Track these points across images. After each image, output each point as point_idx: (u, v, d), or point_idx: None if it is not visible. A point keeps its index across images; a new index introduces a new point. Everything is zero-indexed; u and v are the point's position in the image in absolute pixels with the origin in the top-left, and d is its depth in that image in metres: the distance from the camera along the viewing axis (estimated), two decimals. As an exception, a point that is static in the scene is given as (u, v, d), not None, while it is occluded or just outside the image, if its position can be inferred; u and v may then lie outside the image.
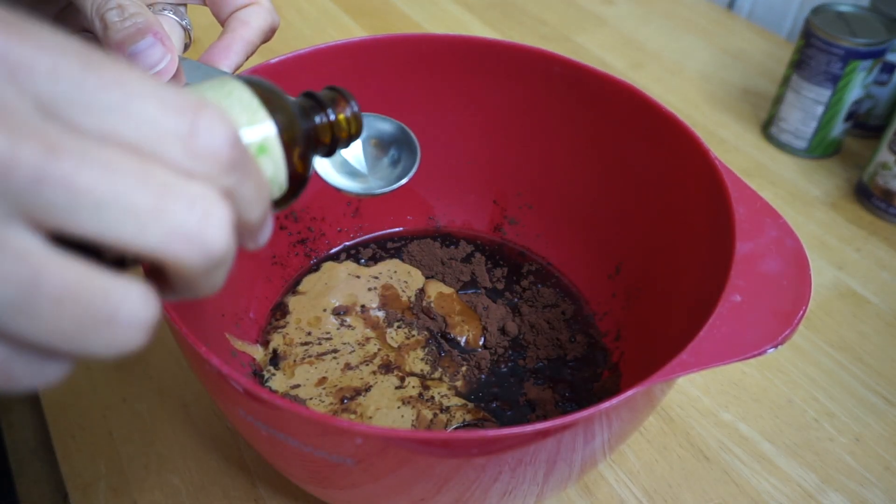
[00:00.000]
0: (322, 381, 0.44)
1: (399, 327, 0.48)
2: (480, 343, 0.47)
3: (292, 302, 0.49)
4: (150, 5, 0.34)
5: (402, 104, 0.47)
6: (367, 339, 0.47)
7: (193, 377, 0.47)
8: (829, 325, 0.52)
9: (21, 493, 0.42)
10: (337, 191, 0.34)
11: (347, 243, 0.53)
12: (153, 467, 0.42)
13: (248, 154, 0.20)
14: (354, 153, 0.35)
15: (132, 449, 0.43)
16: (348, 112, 0.27)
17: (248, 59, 0.36)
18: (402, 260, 0.52)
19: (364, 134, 0.34)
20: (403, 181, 0.34)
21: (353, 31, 0.80)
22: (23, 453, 0.44)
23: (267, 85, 0.23)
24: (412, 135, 0.35)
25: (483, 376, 0.45)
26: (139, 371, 0.47)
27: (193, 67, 0.34)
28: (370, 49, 0.46)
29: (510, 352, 0.47)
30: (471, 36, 0.47)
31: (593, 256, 0.50)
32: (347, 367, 0.45)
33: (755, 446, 0.45)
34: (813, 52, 0.62)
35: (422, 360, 0.46)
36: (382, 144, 0.35)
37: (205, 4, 0.37)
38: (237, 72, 0.35)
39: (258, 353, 0.45)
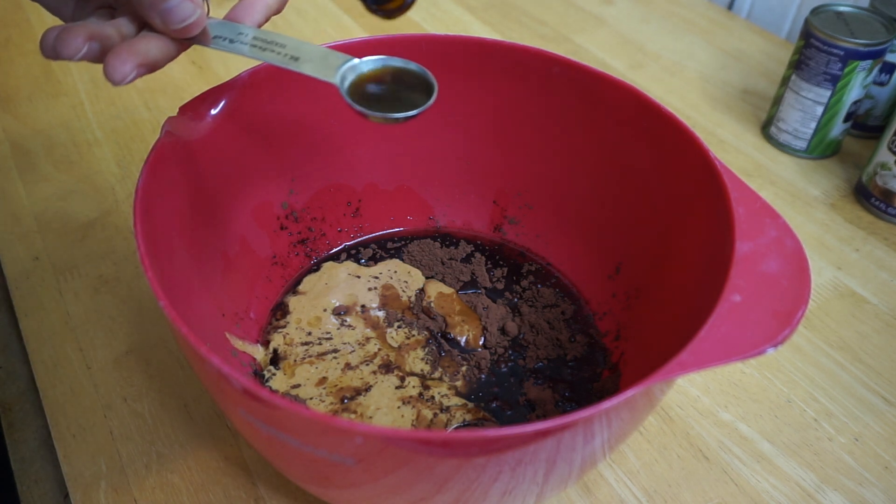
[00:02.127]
0: (322, 380, 0.44)
1: (399, 327, 0.48)
2: (480, 343, 0.47)
3: (293, 302, 0.49)
4: None
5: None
6: (368, 338, 0.47)
7: (194, 377, 0.47)
8: (828, 325, 0.52)
9: (22, 493, 0.42)
10: (362, 116, 0.36)
11: (348, 243, 0.53)
12: (154, 467, 0.42)
13: None
14: (379, 84, 0.37)
15: (133, 448, 0.43)
16: None
17: (268, 20, 0.37)
18: (403, 260, 0.52)
19: (382, 65, 0.37)
20: (418, 111, 0.36)
21: (353, 31, 0.80)
22: (24, 453, 0.44)
23: None
24: (429, 74, 0.37)
25: (483, 376, 0.45)
26: (139, 371, 0.47)
27: (219, 25, 0.36)
28: (370, 49, 0.46)
29: (510, 352, 0.47)
30: (471, 36, 0.47)
31: (593, 256, 0.50)
32: (348, 366, 0.45)
33: (754, 446, 0.45)
34: (812, 53, 0.62)
35: (422, 360, 0.46)
36: (401, 81, 0.37)
37: None
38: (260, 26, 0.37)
39: (259, 352, 0.46)
